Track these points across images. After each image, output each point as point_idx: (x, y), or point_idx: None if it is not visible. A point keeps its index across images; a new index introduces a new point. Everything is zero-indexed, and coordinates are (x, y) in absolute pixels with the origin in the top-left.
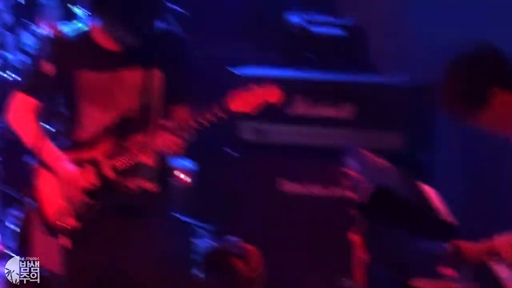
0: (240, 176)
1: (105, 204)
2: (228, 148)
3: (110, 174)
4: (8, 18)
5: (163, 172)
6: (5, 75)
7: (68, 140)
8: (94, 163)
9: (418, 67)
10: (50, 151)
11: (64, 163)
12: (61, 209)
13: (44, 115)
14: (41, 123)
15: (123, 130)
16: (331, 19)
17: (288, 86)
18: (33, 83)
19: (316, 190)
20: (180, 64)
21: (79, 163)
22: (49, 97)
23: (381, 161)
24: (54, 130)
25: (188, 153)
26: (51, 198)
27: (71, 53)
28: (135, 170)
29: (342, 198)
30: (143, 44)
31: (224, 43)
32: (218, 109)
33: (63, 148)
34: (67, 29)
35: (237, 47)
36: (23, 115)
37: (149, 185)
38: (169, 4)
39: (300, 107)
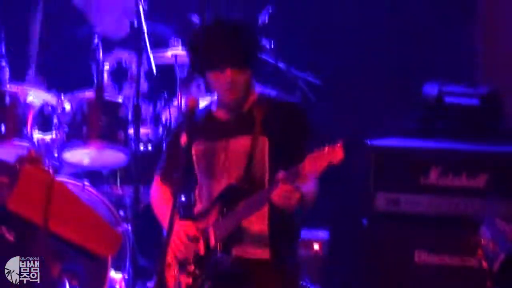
0: (374, 246)
1: (209, 272)
2: (363, 218)
3: (212, 242)
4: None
5: (282, 239)
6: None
7: (192, 212)
8: (203, 233)
9: None
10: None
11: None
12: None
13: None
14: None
15: (230, 197)
16: (467, 89)
17: (423, 157)
18: (168, 167)
19: (451, 260)
20: (292, 133)
21: (196, 234)
22: (184, 172)
23: None
24: (185, 202)
25: (322, 223)
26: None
27: (193, 127)
28: (241, 237)
29: (478, 268)
30: (251, 113)
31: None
32: (294, 173)
33: (189, 219)
34: (204, 102)
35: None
36: (160, 198)
37: (258, 252)
38: (303, 74)
39: (435, 177)
